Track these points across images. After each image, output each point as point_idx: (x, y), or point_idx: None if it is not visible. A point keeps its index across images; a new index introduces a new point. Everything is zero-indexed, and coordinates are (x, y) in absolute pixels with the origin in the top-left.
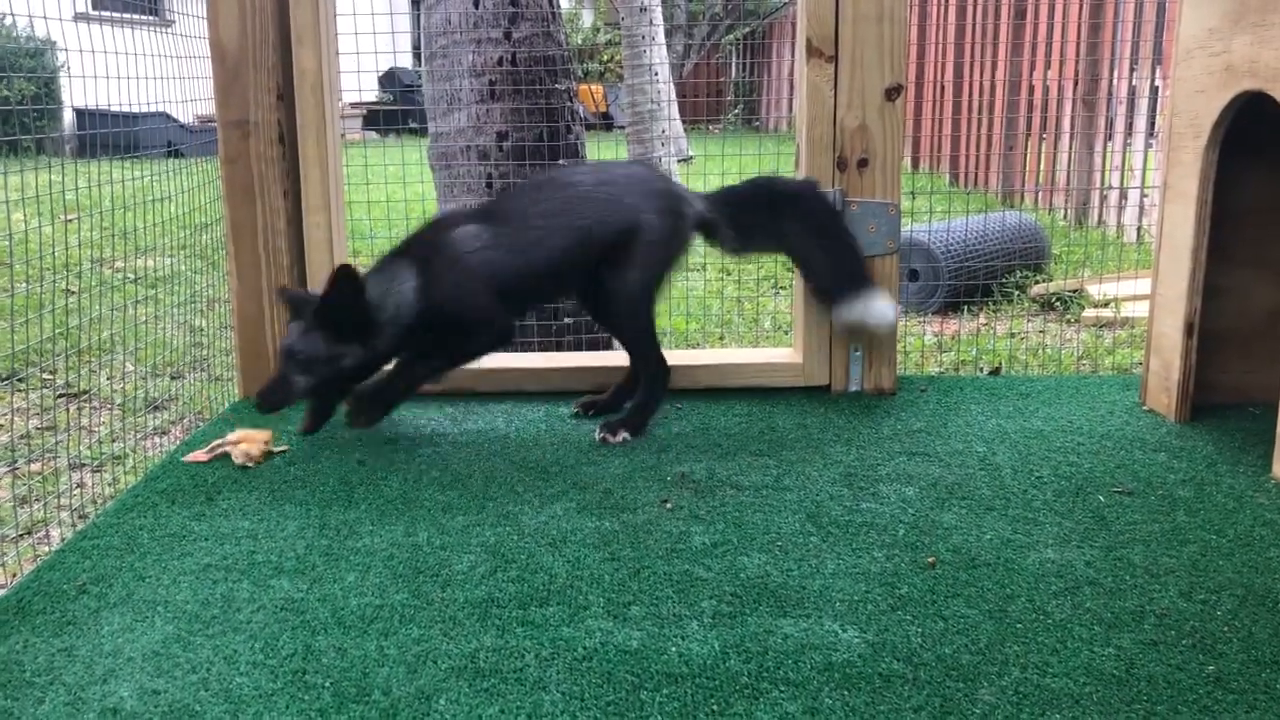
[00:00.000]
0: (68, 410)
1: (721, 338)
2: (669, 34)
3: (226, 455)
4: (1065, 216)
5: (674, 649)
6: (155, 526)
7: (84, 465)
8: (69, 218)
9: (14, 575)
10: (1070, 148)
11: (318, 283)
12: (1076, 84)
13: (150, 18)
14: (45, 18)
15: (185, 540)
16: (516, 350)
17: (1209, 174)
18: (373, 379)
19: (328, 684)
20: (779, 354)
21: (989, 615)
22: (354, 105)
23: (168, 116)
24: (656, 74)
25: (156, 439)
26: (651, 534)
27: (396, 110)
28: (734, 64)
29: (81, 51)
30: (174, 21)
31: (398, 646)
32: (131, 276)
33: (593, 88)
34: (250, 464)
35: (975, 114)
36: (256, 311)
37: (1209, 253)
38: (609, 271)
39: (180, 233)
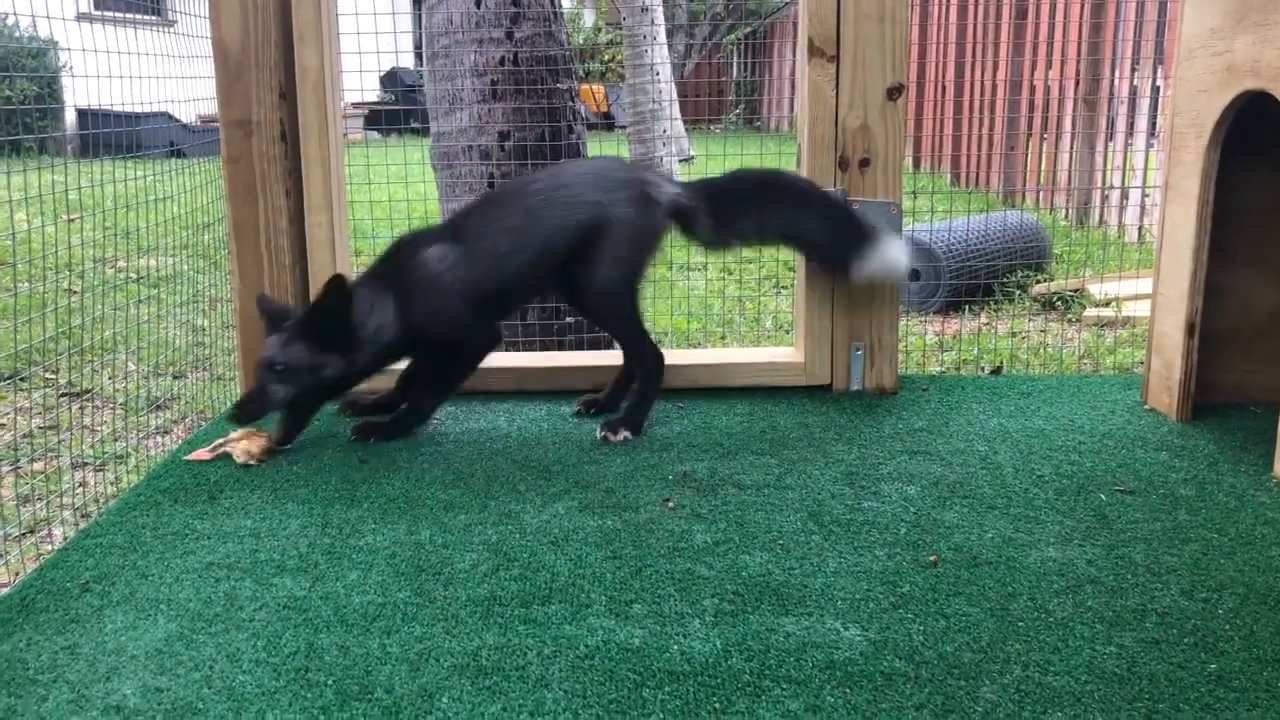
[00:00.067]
0: (70, 409)
1: (723, 337)
2: (670, 34)
3: (229, 454)
4: (1066, 216)
5: (676, 647)
6: (158, 525)
7: (86, 464)
8: (71, 217)
9: (17, 574)
10: (1072, 147)
11: (319, 283)
12: (1078, 84)
13: (152, 17)
14: (48, 17)
15: (188, 538)
16: (518, 349)
17: (1210, 174)
18: (383, 412)
19: (330, 682)
20: (780, 353)
21: (991, 613)
22: (356, 105)
23: (169, 116)
24: (658, 74)
25: (159, 438)
26: (653, 532)
27: (398, 110)
28: (735, 64)
29: (84, 51)
30: (176, 21)
31: (400, 644)
32: (134, 276)
33: (594, 87)
34: (252, 462)
35: (976, 114)
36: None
37: (1210, 252)
38: (582, 269)
39: (182, 232)
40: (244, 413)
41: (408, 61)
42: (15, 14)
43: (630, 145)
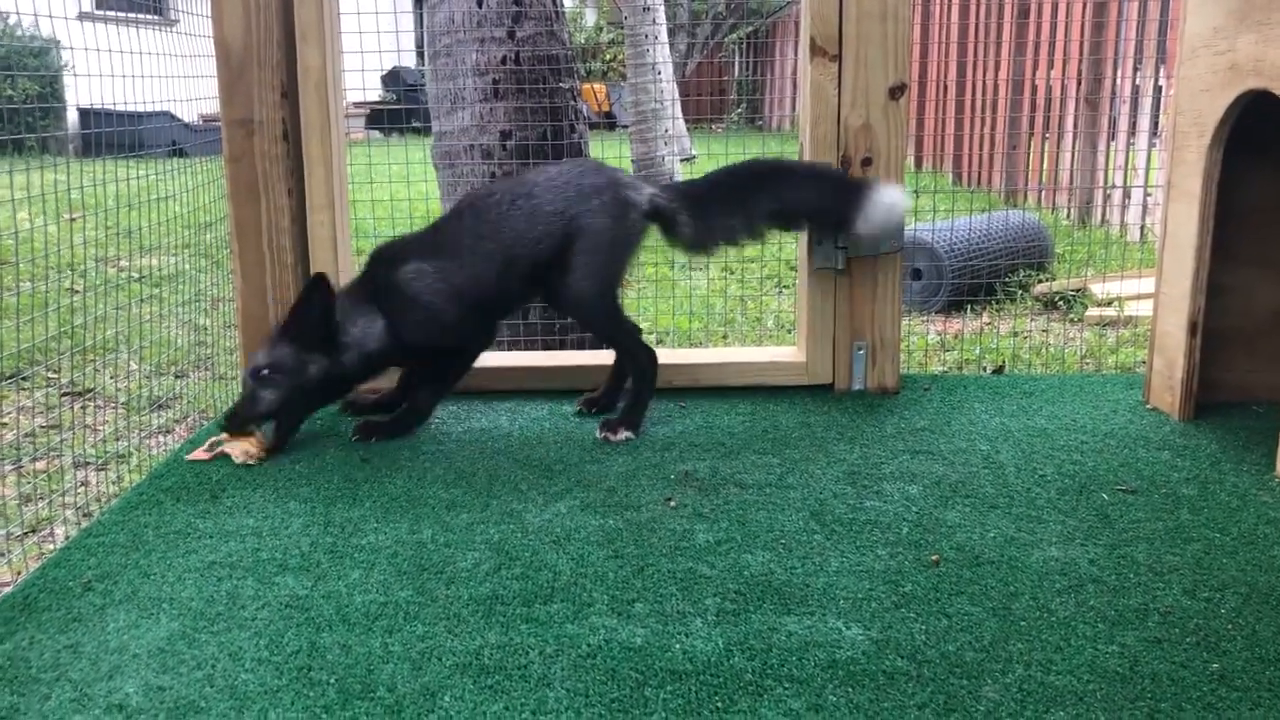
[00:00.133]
0: (72, 409)
1: (725, 336)
2: (672, 33)
3: (227, 454)
4: (1068, 216)
5: (678, 646)
6: (160, 524)
7: (88, 463)
8: (73, 216)
9: (19, 573)
10: (1074, 147)
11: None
12: (1080, 83)
13: (154, 17)
14: (50, 16)
15: (190, 538)
16: (519, 349)
17: (1213, 173)
18: (384, 411)
19: (333, 681)
20: (782, 353)
21: (993, 613)
22: (357, 104)
23: (171, 115)
24: (660, 73)
25: (160, 437)
26: (655, 532)
27: (400, 109)
28: (737, 63)
29: (86, 50)
30: (178, 20)
31: (402, 643)
32: (135, 275)
33: (596, 87)
34: (251, 461)
35: (978, 113)
36: (260, 310)
37: (1213, 251)
38: (557, 279)
39: (184, 232)
40: (233, 422)
41: (409, 61)
42: (18, 13)
43: (632, 144)
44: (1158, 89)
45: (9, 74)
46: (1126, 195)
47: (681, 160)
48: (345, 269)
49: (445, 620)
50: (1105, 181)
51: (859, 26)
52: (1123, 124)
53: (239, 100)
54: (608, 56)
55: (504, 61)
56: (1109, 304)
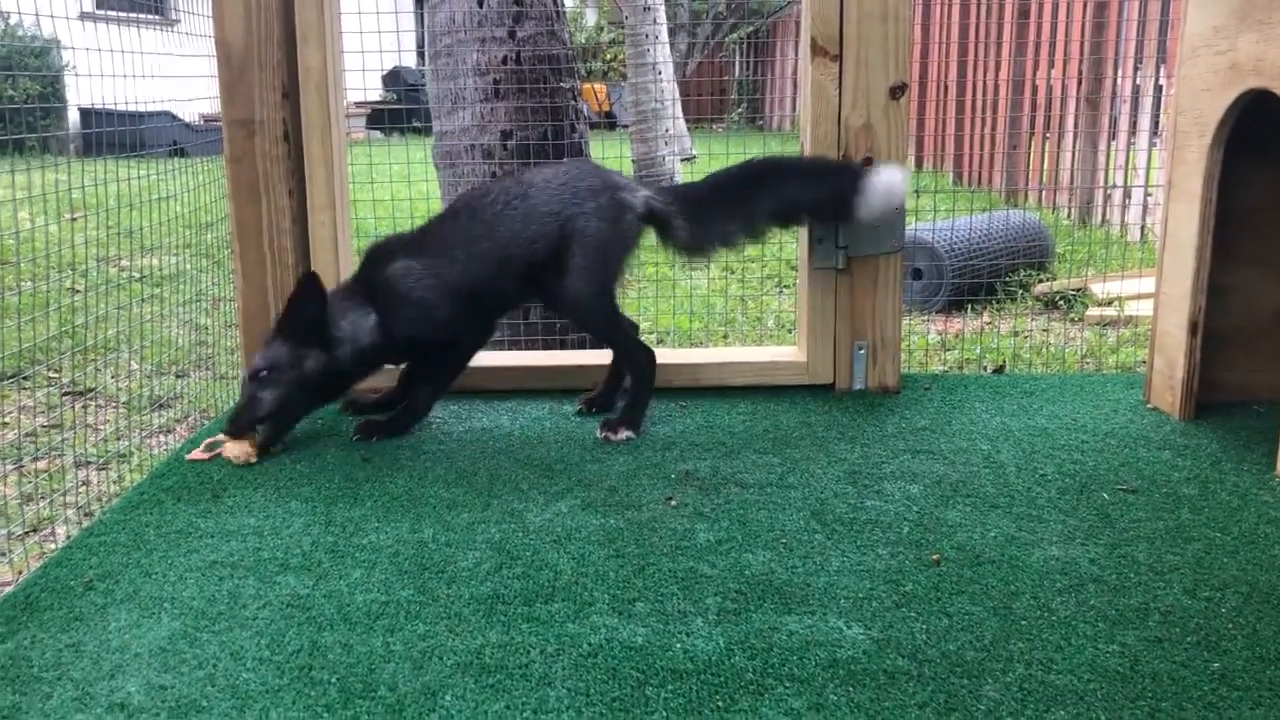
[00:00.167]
0: (73, 408)
1: (725, 336)
2: (672, 33)
3: (223, 455)
4: (1069, 215)
5: (679, 645)
6: (161, 523)
7: (89, 463)
8: (74, 216)
9: (21, 572)
10: (1074, 147)
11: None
12: (1080, 83)
13: (155, 17)
14: (52, 16)
15: (191, 537)
16: (520, 348)
17: (1213, 172)
18: (384, 410)
19: (334, 680)
20: (783, 352)
21: (993, 612)
22: (358, 104)
23: (172, 115)
24: (660, 73)
25: (161, 437)
26: (656, 531)
27: (401, 109)
28: (738, 63)
29: (89, 50)
30: (179, 20)
31: (403, 642)
32: (136, 275)
33: (596, 86)
34: (253, 459)
35: (979, 113)
36: (261, 310)
37: (1213, 251)
38: (553, 280)
39: (185, 231)
40: (235, 426)
41: (410, 61)
42: (20, 13)
43: (632, 144)
44: (1158, 89)
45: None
46: (1127, 195)
47: (682, 160)
48: (346, 269)
49: (446, 619)
50: (1106, 181)
51: (860, 26)
52: (1123, 124)
53: (240, 100)
54: (608, 56)
55: (505, 61)
56: (1109, 304)
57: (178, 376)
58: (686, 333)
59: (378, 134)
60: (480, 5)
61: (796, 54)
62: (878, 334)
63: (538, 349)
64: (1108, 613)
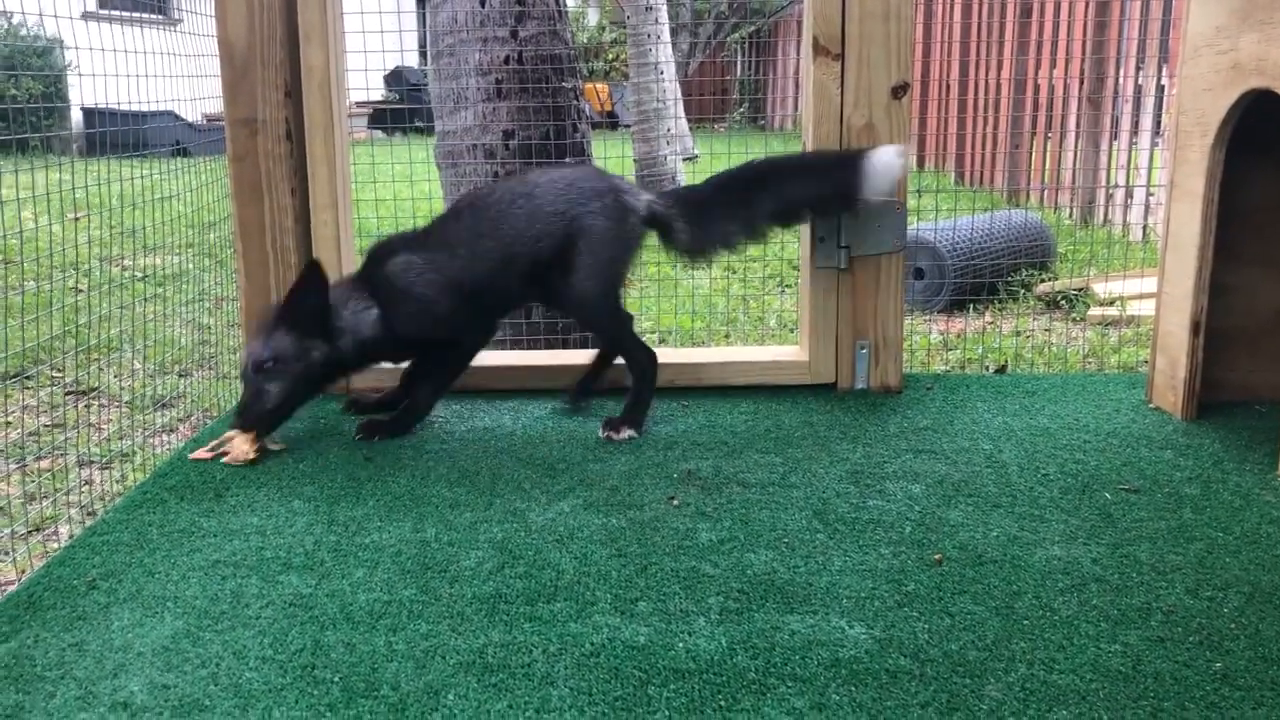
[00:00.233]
0: (76, 408)
1: (727, 336)
2: (674, 32)
3: (227, 454)
4: (1071, 215)
5: (681, 645)
6: (164, 523)
7: (92, 462)
8: (77, 216)
9: (24, 571)
10: (1076, 146)
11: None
12: (1082, 82)
13: (157, 16)
14: (56, 16)
15: (194, 536)
16: (522, 348)
17: (1216, 172)
18: (387, 410)
19: (336, 679)
20: (785, 352)
21: (996, 612)
22: (360, 104)
23: (175, 115)
24: (662, 72)
25: (164, 436)
26: (658, 531)
27: (403, 109)
28: (739, 62)
29: (90, 49)
30: (181, 20)
31: (406, 642)
32: (139, 274)
33: (598, 86)
34: (251, 457)
35: (981, 112)
36: (264, 309)
37: (1215, 251)
38: (558, 279)
39: (188, 231)
40: (246, 419)
41: (412, 60)
42: (23, 13)
43: (634, 144)
44: (1160, 88)
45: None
46: (1129, 195)
47: (684, 160)
48: (348, 268)
49: (449, 619)
50: (1108, 181)
51: (862, 26)
52: (1125, 123)
53: (242, 100)
54: (610, 56)
55: (507, 61)
56: (1111, 303)
57: (180, 376)
58: (688, 332)
59: (380, 133)
60: (482, 5)
61: (798, 53)
62: (880, 334)
63: (540, 348)
64: (1110, 612)
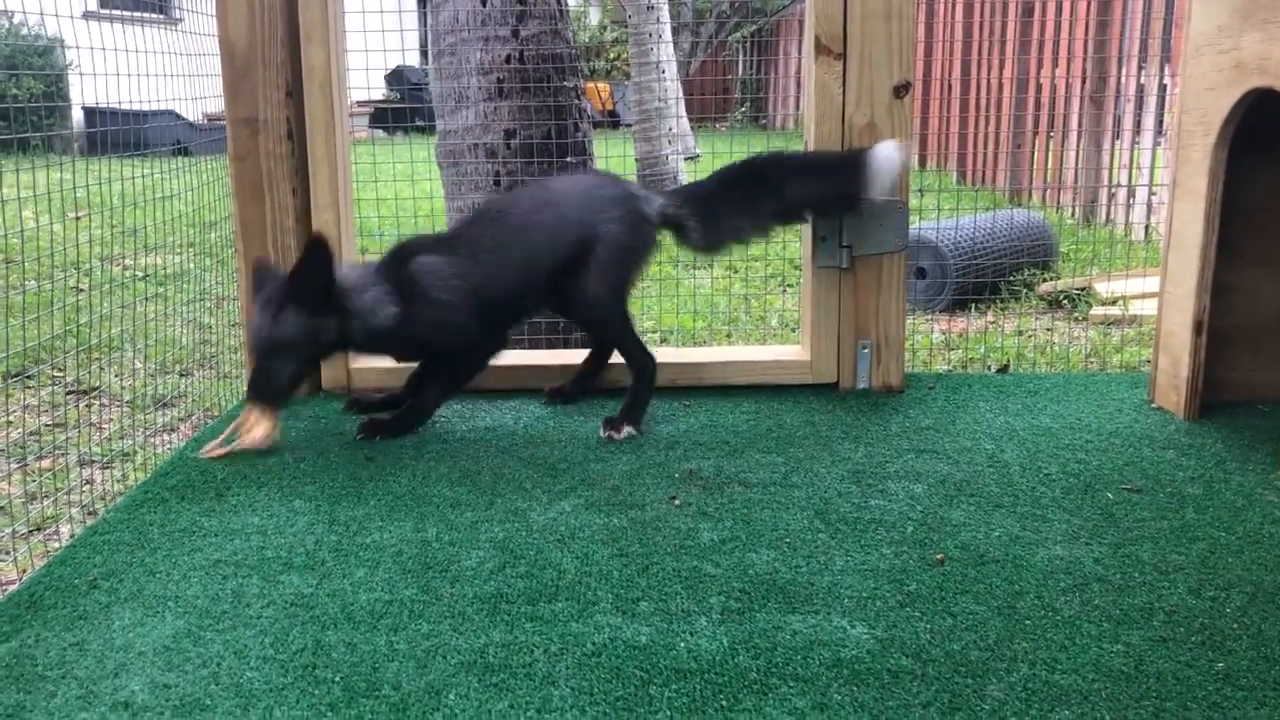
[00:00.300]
0: (77, 407)
1: (728, 335)
2: (676, 32)
3: (240, 450)
4: (1073, 214)
5: (683, 645)
6: (165, 522)
7: (93, 462)
8: (78, 215)
9: (25, 570)
10: (1078, 146)
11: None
12: (1084, 82)
13: (159, 16)
14: (57, 15)
15: (195, 536)
16: (524, 347)
17: (1218, 171)
18: (389, 409)
19: (338, 679)
20: (786, 351)
21: (997, 612)
22: (361, 103)
23: (175, 114)
24: (663, 72)
25: (165, 436)
26: (660, 530)
27: (404, 108)
28: (741, 62)
29: (91, 49)
30: (182, 19)
31: (407, 641)
32: (140, 274)
33: (600, 85)
34: (269, 442)
35: (983, 112)
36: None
37: (1218, 250)
38: (572, 283)
39: (188, 230)
40: (260, 397)
41: (413, 60)
42: (24, 12)
43: (636, 143)
44: (1162, 87)
45: (14, 73)
46: (1131, 194)
47: (685, 159)
48: None
49: (450, 619)
50: (1110, 180)
51: (863, 25)
52: (1127, 122)
53: (244, 99)
54: (612, 55)
55: (508, 60)
56: (1114, 303)
57: (181, 375)
58: (690, 332)
59: (381, 133)
60: (484, 4)
61: (800, 53)
62: (881, 333)
63: (541, 348)
64: (1112, 612)
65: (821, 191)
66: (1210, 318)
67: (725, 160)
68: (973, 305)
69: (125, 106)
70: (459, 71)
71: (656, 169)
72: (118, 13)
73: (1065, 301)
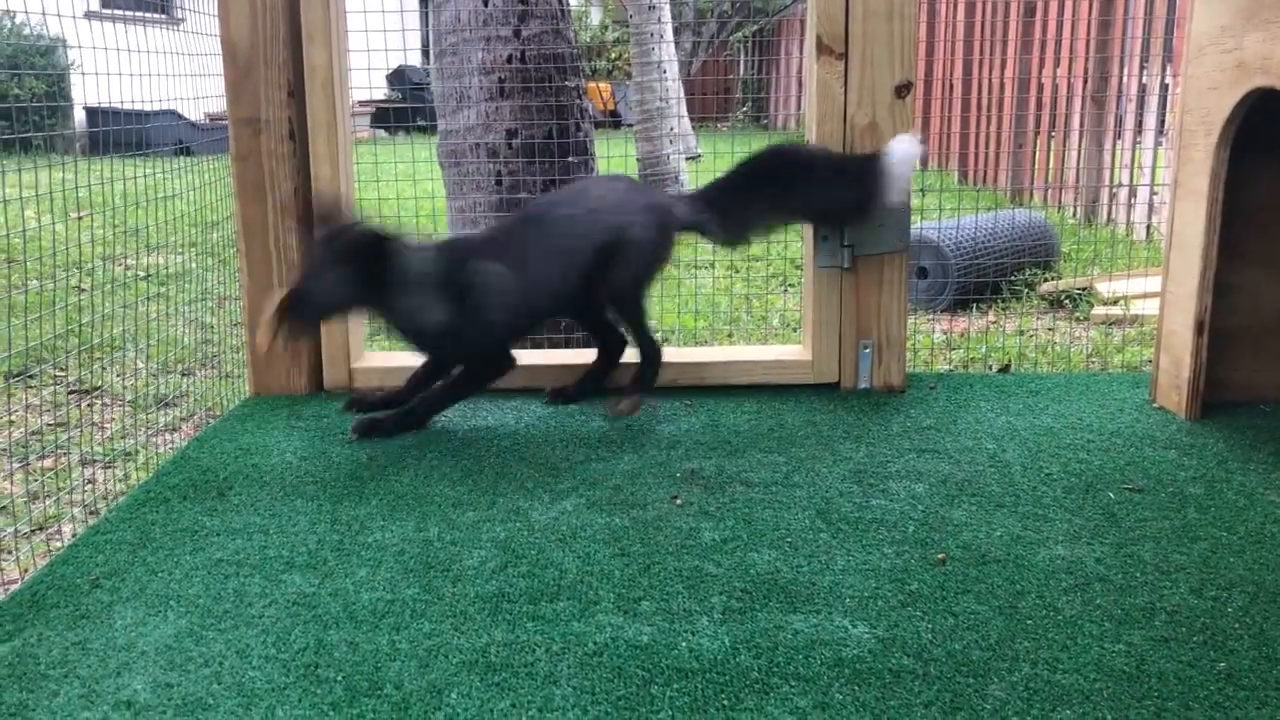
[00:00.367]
0: (79, 407)
1: (730, 335)
2: (677, 31)
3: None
4: (1075, 214)
5: (684, 644)
6: (167, 521)
7: (95, 461)
8: (80, 215)
9: (27, 570)
10: (1080, 145)
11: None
12: (1086, 81)
13: (160, 15)
14: (59, 15)
15: (197, 535)
16: (526, 347)
17: (1220, 171)
18: (390, 410)
19: (340, 678)
20: (788, 351)
21: (999, 611)
22: (363, 103)
23: (177, 114)
24: (665, 71)
25: (167, 435)
26: (661, 530)
27: (406, 108)
28: (742, 61)
29: (93, 49)
30: (184, 19)
31: (409, 641)
32: (142, 274)
33: (601, 85)
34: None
35: (984, 111)
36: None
37: (1220, 250)
38: (601, 276)
39: (190, 230)
40: (294, 314)
41: (415, 59)
42: (26, 11)
43: (637, 143)
44: (1164, 87)
45: (16, 73)
46: (1133, 194)
47: (687, 159)
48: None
49: (452, 618)
50: (1111, 180)
51: (865, 25)
52: (1129, 122)
53: (245, 99)
54: (613, 55)
55: (510, 60)
56: (1115, 303)
57: (183, 375)
58: (691, 332)
59: (383, 132)
60: (485, 4)
61: (801, 52)
62: (883, 333)
63: (543, 348)
64: (1114, 612)
65: (843, 200)
66: (1212, 318)
67: (727, 161)
68: (974, 305)
69: (127, 106)
70: (460, 71)
71: (658, 169)
72: (120, 12)
73: (1067, 301)
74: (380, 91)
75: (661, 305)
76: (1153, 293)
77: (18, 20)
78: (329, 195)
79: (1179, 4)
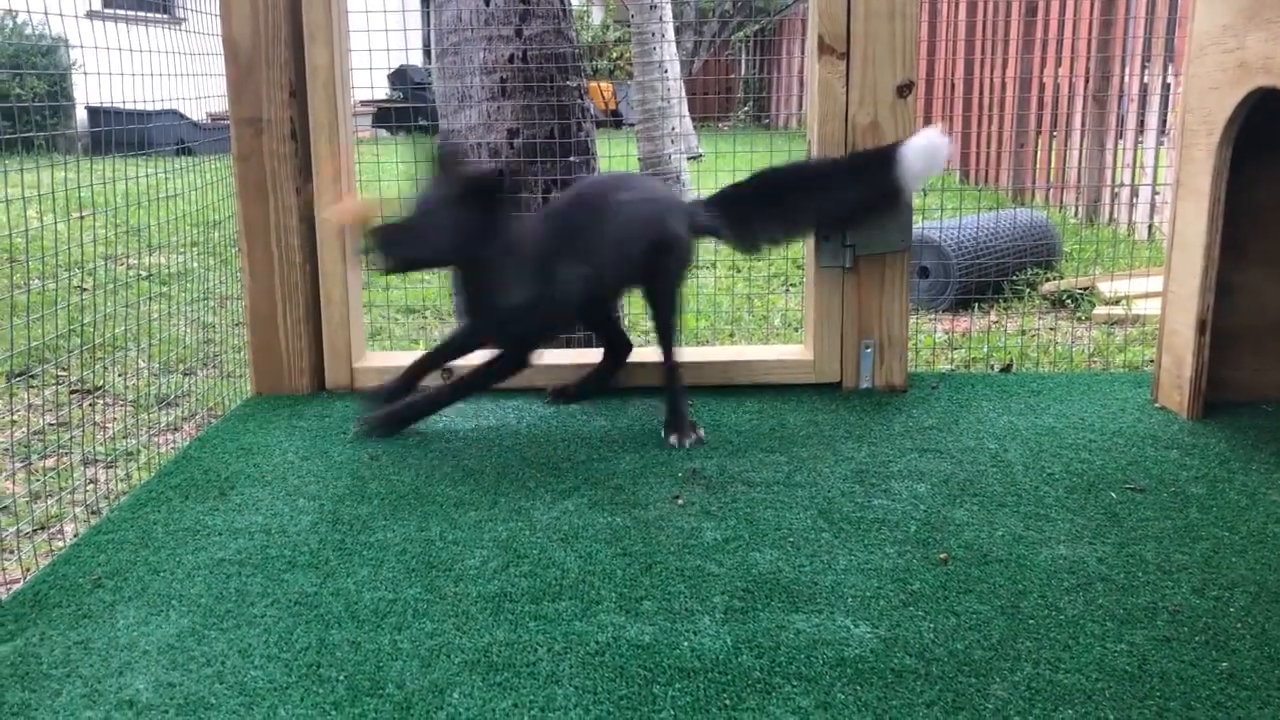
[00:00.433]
0: (81, 406)
1: (731, 335)
2: (679, 31)
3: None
4: (1076, 214)
5: (686, 644)
6: (169, 521)
7: (97, 461)
8: (82, 215)
9: (29, 570)
10: (1081, 145)
11: (329, 282)
12: (1088, 81)
13: (162, 15)
14: (61, 15)
15: (199, 535)
16: None
17: (1222, 171)
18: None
19: (341, 677)
20: (790, 351)
21: (1001, 611)
22: (364, 103)
23: (179, 114)
24: (666, 71)
25: (169, 435)
26: (663, 530)
27: (407, 107)
28: (744, 61)
29: (94, 48)
30: (186, 19)
31: (411, 640)
32: (144, 273)
33: (602, 85)
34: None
35: (986, 111)
36: (269, 309)
37: (1221, 250)
38: (648, 275)
39: (192, 230)
40: (391, 249)
41: (417, 59)
42: (28, 11)
43: (639, 143)
44: (1166, 87)
45: (17, 72)
46: (1135, 193)
47: (688, 159)
48: (353, 268)
49: (454, 618)
50: (1113, 180)
51: (867, 25)
52: (1131, 122)
53: (247, 99)
54: (614, 55)
55: (511, 60)
56: (1117, 302)
57: (185, 374)
58: (693, 331)
59: (384, 132)
60: (487, 4)
61: (803, 52)
62: (885, 333)
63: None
64: (1116, 612)
65: (856, 201)
66: (1214, 317)
67: (728, 160)
68: (976, 305)
69: (129, 106)
70: (462, 71)
71: (659, 169)
72: (121, 12)
73: (1068, 301)
74: (382, 91)
75: None
76: (1154, 292)
77: (19, 20)
78: (453, 146)
79: (1180, 3)
